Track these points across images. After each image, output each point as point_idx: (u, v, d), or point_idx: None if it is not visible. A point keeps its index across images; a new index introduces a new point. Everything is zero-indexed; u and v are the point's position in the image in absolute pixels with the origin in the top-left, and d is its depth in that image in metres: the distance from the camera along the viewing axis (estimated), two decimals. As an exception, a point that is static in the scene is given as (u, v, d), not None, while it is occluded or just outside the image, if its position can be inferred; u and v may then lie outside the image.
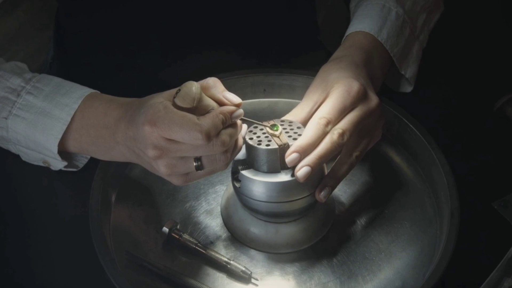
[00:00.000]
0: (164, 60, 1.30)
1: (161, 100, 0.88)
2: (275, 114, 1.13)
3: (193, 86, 0.86)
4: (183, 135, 0.84)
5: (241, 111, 0.90)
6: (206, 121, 0.85)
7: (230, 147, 0.89)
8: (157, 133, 0.85)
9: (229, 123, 0.88)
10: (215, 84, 0.90)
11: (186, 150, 0.87)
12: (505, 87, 1.20)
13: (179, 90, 0.87)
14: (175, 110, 0.86)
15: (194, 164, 0.88)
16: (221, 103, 0.90)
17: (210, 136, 0.85)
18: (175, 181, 0.91)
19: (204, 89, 0.89)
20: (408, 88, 1.19)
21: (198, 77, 1.09)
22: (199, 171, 0.89)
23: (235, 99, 0.90)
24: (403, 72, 1.14)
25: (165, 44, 1.29)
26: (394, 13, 1.13)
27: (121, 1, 1.23)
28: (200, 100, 0.87)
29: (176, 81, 1.10)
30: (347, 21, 1.19)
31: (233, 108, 0.89)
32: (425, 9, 1.18)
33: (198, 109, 0.87)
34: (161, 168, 0.89)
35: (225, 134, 0.87)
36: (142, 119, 0.87)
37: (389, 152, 1.12)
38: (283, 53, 1.37)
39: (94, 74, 1.30)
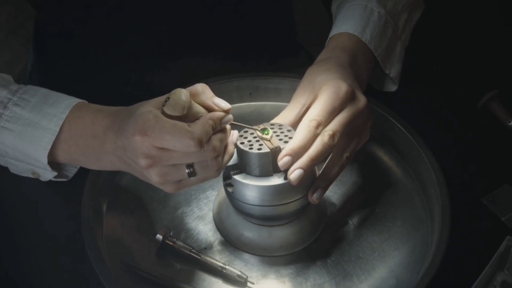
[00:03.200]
0: (148, 67, 1.30)
1: (149, 109, 0.87)
2: (262, 117, 1.14)
3: (182, 94, 0.86)
4: (175, 143, 0.84)
5: (230, 116, 0.90)
6: (197, 128, 0.85)
7: (220, 152, 0.89)
8: (148, 142, 0.85)
9: (218, 128, 0.88)
10: (203, 90, 0.90)
11: (178, 158, 0.87)
12: (488, 84, 1.22)
13: (168, 98, 0.86)
14: (165, 118, 0.85)
15: (187, 171, 0.88)
16: (210, 109, 0.90)
17: (202, 142, 0.85)
18: (168, 188, 0.91)
19: (193, 96, 0.89)
20: (392, 88, 1.19)
21: (182, 83, 1.09)
22: (191, 178, 0.89)
23: (224, 104, 0.90)
24: (387, 72, 1.15)
25: (148, 51, 1.29)
26: (377, 14, 1.14)
27: (101, 6, 1.22)
28: (189, 107, 0.86)
29: (159, 87, 1.10)
30: (324, 20, 1.19)
31: (222, 114, 0.89)
32: (406, 9, 1.19)
33: (188, 117, 0.87)
34: (153, 177, 0.89)
35: (215, 140, 0.87)
36: (131, 129, 0.86)
37: (377, 152, 1.13)
38: (264, 56, 1.37)
39: (76, 82, 1.29)
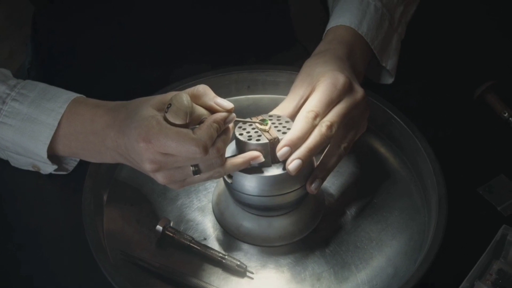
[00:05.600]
0: (144, 64, 1.31)
1: (151, 113, 0.88)
2: (260, 110, 1.15)
3: (184, 99, 0.85)
4: (180, 150, 0.85)
5: (233, 115, 0.90)
6: (202, 134, 0.86)
7: (223, 151, 0.90)
8: (153, 149, 0.86)
9: (223, 129, 0.89)
10: (205, 92, 0.90)
11: (183, 162, 0.88)
12: (484, 75, 1.23)
13: (170, 104, 0.86)
14: (169, 126, 0.86)
15: (192, 169, 0.89)
16: (213, 110, 0.90)
17: (207, 148, 0.85)
18: (173, 186, 0.92)
19: (195, 98, 0.89)
20: (389, 80, 1.20)
21: (178, 79, 1.11)
22: (195, 176, 0.90)
23: (227, 104, 0.90)
24: (384, 64, 1.16)
25: (144, 48, 1.30)
26: (373, 6, 1.15)
27: (99, 4, 1.23)
28: (192, 112, 0.86)
29: (156, 84, 1.11)
30: (319, 15, 1.20)
31: (225, 114, 0.89)
32: (402, 2, 1.20)
33: (191, 121, 0.87)
34: (160, 179, 0.90)
35: (220, 142, 0.88)
36: (135, 135, 0.87)
37: (375, 143, 1.14)
38: (261, 52, 1.38)
39: (74, 78, 1.30)
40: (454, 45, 1.32)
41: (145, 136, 0.86)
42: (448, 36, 1.34)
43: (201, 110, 0.89)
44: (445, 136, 1.16)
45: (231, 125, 0.91)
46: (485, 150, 1.15)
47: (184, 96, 0.86)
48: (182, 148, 0.85)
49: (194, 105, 0.88)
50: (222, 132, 0.89)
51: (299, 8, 1.70)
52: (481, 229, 1.02)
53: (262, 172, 0.93)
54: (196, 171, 0.89)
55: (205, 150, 0.85)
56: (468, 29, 1.35)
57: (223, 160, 0.90)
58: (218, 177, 0.92)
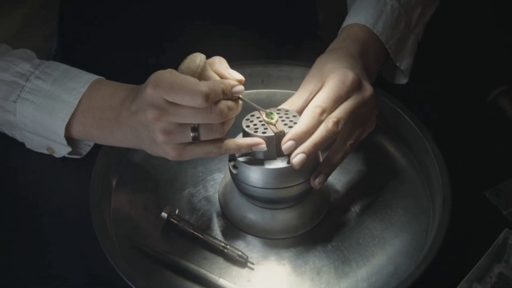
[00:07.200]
0: (166, 52, 1.32)
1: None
2: (273, 104, 1.14)
3: (198, 58, 0.90)
4: (183, 94, 0.87)
5: (241, 87, 0.92)
6: (205, 84, 0.88)
7: (227, 120, 0.91)
8: (158, 93, 0.88)
9: (229, 95, 0.91)
10: (220, 62, 0.94)
11: (185, 114, 0.89)
12: (498, 79, 1.22)
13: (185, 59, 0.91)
14: (179, 73, 0.89)
15: (191, 134, 0.90)
16: (224, 78, 0.93)
17: (208, 97, 0.87)
18: (171, 152, 0.93)
19: (209, 65, 0.92)
20: (403, 80, 1.20)
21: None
22: (195, 148, 0.92)
23: (238, 75, 0.93)
24: (398, 64, 1.16)
25: (167, 36, 1.31)
26: (390, 7, 1.15)
27: None
28: (203, 70, 0.90)
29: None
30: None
31: (234, 82, 0.92)
32: (420, 3, 1.20)
33: (200, 79, 0.90)
34: (158, 135, 0.91)
35: (223, 104, 0.90)
36: (146, 84, 0.90)
37: (384, 142, 1.14)
38: (282, 47, 1.38)
39: (98, 67, 1.32)
40: (470, 48, 1.32)
41: (154, 81, 0.89)
42: (464, 38, 1.33)
43: (213, 74, 0.92)
44: (456, 138, 1.16)
45: (240, 101, 0.93)
46: (495, 154, 1.15)
47: (199, 56, 0.90)
48: (186, 91, 0.87)
49: (208, 69, 0.92)
50: (229, 100, 0.91)
51: (328, 13, 1.71)
52: (485, 232, 1.02)
53: (266, 164, 0.94)
54: (196, 137, 0.91)
55: (206, 98, 0.87)
56: (485, 32, 1.34)
57: (224, 129, 0.91)
58: (217, 153, 0.93)
